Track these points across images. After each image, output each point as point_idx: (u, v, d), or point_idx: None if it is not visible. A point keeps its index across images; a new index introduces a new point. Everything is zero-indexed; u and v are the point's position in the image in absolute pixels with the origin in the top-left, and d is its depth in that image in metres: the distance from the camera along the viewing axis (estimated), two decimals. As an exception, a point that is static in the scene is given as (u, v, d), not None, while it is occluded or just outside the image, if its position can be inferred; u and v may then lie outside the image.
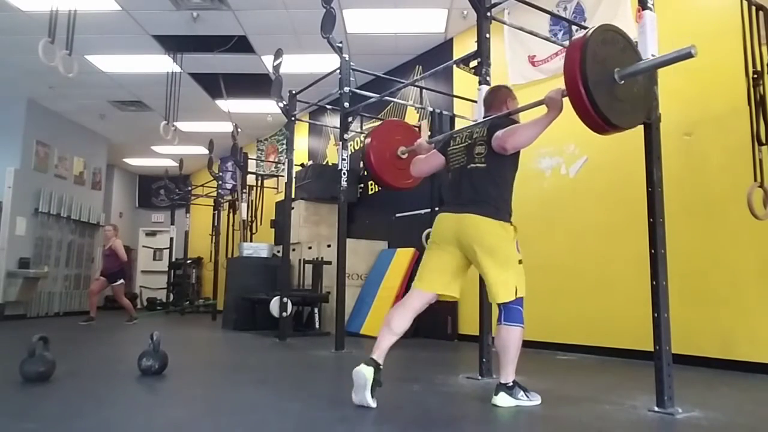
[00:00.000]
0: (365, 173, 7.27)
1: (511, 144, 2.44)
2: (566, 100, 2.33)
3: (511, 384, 2.48)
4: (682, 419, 2.28)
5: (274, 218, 8.49)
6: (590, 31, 2.27)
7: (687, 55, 2.16)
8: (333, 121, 7.04)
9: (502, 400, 2.45)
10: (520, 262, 2.51)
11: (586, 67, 2.17)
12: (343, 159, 4.72)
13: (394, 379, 3.42)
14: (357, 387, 2.37)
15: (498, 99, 2.80)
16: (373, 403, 2.35)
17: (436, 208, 4.49)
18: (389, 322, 2.53)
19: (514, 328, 2.47)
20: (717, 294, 3.70)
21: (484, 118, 2.78)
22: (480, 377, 3.20)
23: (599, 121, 2.23)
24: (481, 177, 2.55)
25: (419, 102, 6.06)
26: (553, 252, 4.73)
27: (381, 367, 2.42)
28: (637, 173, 2.66)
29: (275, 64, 5.49)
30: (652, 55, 2.46)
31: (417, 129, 3.83)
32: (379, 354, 2.45)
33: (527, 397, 2.49)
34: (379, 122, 7.06)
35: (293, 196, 6.07)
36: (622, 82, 2.30)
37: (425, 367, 3.81)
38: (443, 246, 2.57)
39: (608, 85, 2.27)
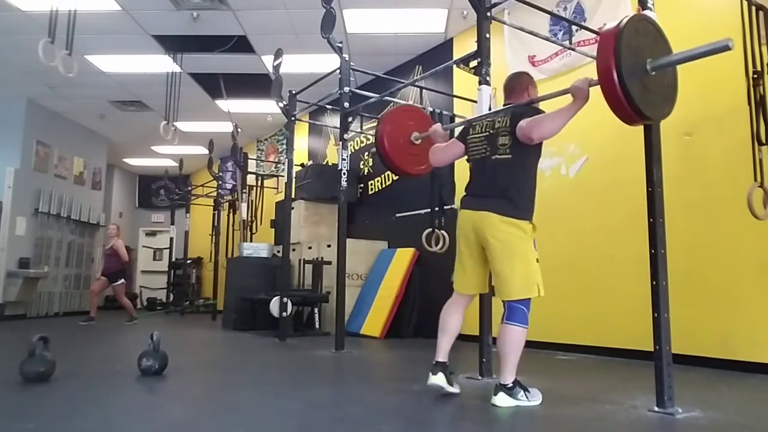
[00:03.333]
0: (366, 172, 7.27)
1: (537, 134, 2.43)
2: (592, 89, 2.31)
3: (511, 385, 2.47)
4: (682, 419, 2.28)
5: (274, 218, 8.50)
6: (624, 20, 2.21)
7: (724, 48, 2.07)
8: (333, 121, 7.05)
9: (501, 400, 2.44)
10: (537, 260, 2.53)
11: (621, 57, 2.11)
12: (343, 159, 4.72)
13: (394, 379, 3.43)
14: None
15: (520, 86, 2.76)
16: (456, 389, 2.65)
17: (436, 208, 4.47)
18: (444, 326, 2.69)
19: (516, 328, 2.46)
20: (717, 294, 3.70)
21: (504, 105, 2.74)
22: (480, 377, 3.20)
23: (631, 112, 2.18)
24: (505, 169, 2.54)
25: (419, 102, 6.06)
26: (553, 252, 4.71)
27: (447, 363, 2.62)
28: (637, 173, 2.66)
29: (275, 64, 5.49)
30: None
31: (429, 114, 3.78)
32: (442, 355, 2.63)
33: (527, 397, 2.48)
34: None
35: (293, 196, 6.07)
36: (654, 73, 2.25)
37: (425, 367, 3.79)
38: (469, 246, 2.63)
39: (641, 76, 2.21)
